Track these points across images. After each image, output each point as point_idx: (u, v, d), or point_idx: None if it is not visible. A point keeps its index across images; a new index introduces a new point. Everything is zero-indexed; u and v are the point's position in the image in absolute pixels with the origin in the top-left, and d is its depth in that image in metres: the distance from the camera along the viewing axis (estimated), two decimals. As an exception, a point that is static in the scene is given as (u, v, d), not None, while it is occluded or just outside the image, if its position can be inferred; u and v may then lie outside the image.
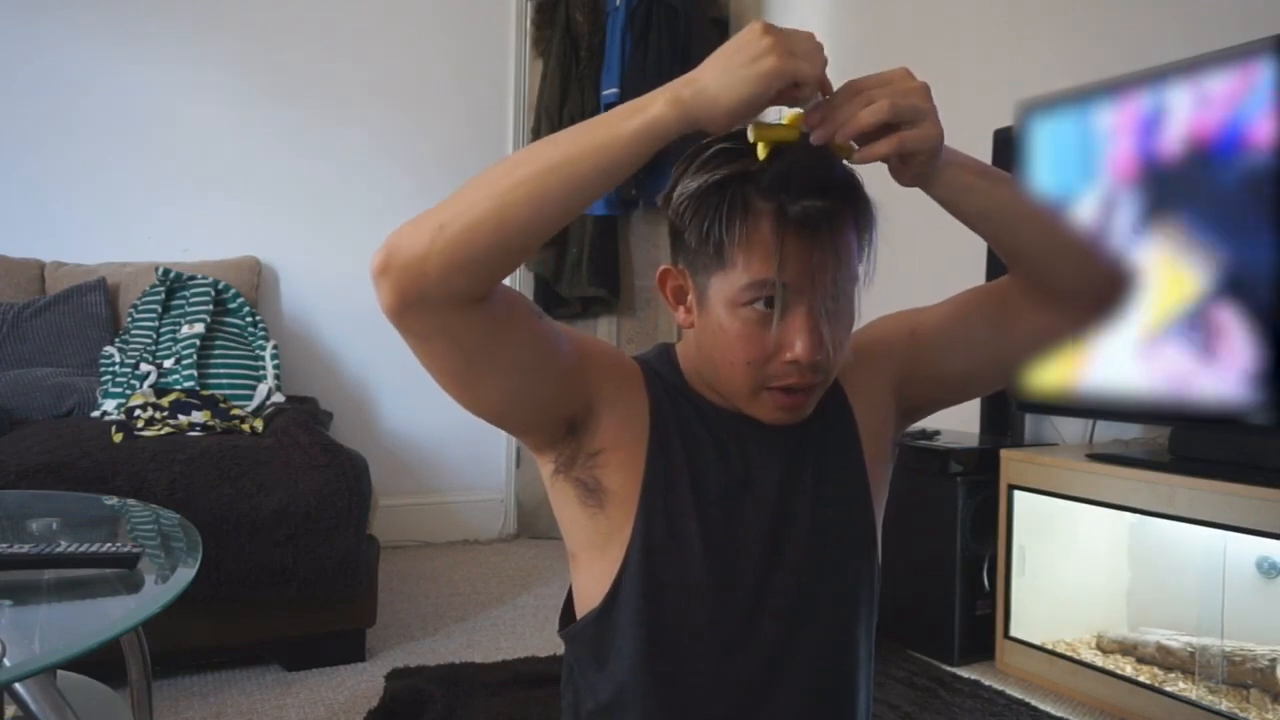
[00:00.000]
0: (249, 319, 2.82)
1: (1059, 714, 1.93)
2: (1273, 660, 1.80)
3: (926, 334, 0.92)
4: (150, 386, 2.50)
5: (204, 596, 1.91)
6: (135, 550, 1.18)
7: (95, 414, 2.46)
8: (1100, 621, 2.18)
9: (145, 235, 3.05)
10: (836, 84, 0.72)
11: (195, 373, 2.58)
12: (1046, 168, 2.09)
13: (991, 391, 1.07)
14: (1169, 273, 1.82)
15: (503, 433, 3.31)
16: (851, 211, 0.78)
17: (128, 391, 2.50)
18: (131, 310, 2.77)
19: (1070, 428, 2.38)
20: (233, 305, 2.82)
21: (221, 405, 2.41)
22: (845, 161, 0.76)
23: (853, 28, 3.07)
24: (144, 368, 2.58)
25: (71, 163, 2.98)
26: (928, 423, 2.41)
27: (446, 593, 2.76)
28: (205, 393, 2.50)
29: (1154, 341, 1.85)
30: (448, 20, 3.43)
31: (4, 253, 2.82)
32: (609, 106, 3.15)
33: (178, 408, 2.31)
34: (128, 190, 3.05)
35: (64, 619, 1.11)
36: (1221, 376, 1.74)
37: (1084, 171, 2.01)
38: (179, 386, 2.52)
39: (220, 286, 2.82)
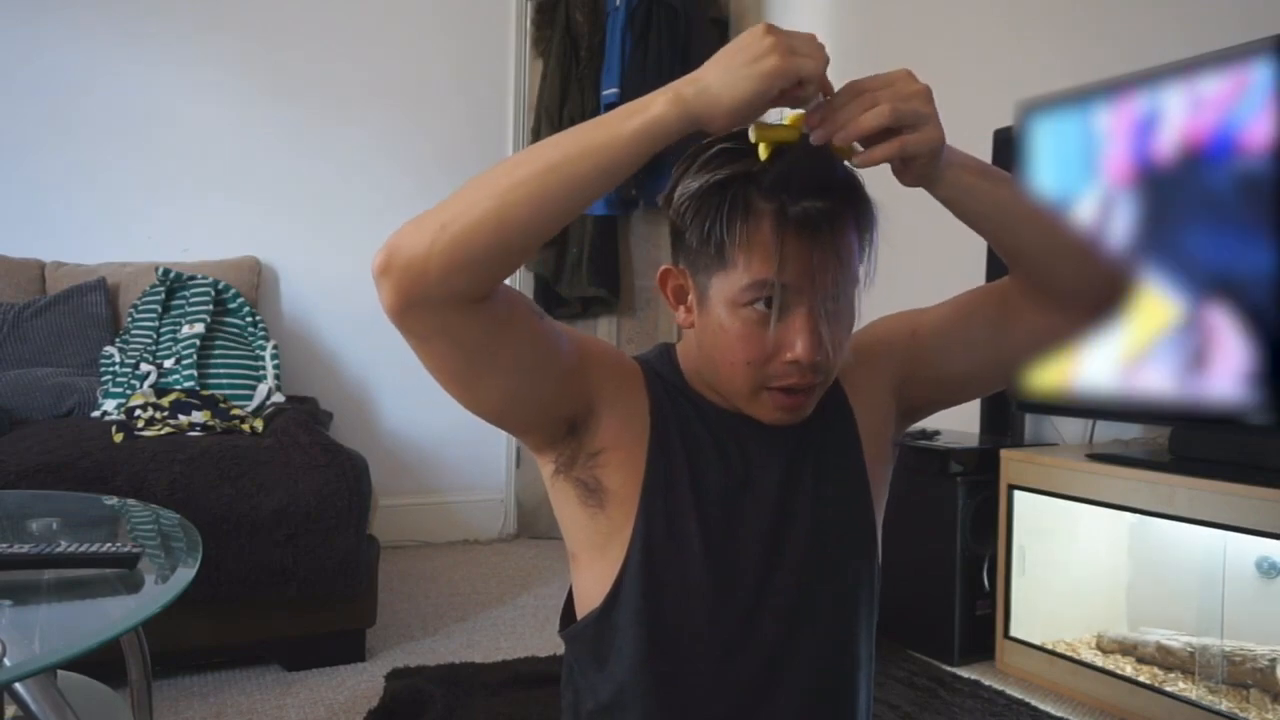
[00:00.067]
0: (249, 319, 2.82)
1: (1059, 714, 1.93)
2: (1273, 660, 1.80)
3: (927, 334, 0.92)
4: (150, 386, 2.50)
5: (204, 596, 1.91)
6: (135, 550, 1.18)
7: (95, 414, 2.46)
8: (1100, 621, 2.18)
9: (145, 235, 3.05)
10: (837, 85, 0.72)
11: (195, 373, 2.58)
12: (1046, 168, 2.09)
13: (991, 392, 1.07)
14: (1167, 268, 1.82)
15: (503, 433, 3.31)
16: (852, 212, 0.78)
17: (128, 391, 2.50)
18: (131, 310, 2.77)
19: (1070, 428, 2.38)
20: (233, 305, 2.82)
21: (221, 405, 2.41)
22: (846, 163, 0.76)
23: (853, 28, 3.07)
24: (144, 368, 2.58)
25: (71, 163, 2.98)
26: (928, 423, 2.41)
27: (446, 593, 2.76)
28: (205, 393, 2.50)
29: (1153, 340, 1.85)
30: (448, 20, 3.43)
31: (4, 253, 2.82)
32: (609, 106, 3.16)
33: (178, 408, 2.31)
34: (128, 190, 3.05)
35: (64, 619, 1.11)
36: (1221, 377, 1.74)
37: (1084, 172, 2.01)
38: (179, 386, 2.52)
39: (220, 286, 2.82)
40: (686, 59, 3.18)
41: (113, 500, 1.76)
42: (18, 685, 0.99)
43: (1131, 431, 2.25)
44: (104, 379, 2.60)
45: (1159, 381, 1.85)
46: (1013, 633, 2.15)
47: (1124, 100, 1.92)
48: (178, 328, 2.68)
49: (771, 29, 0.68)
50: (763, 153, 0.76)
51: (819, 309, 0.78)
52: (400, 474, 3.31)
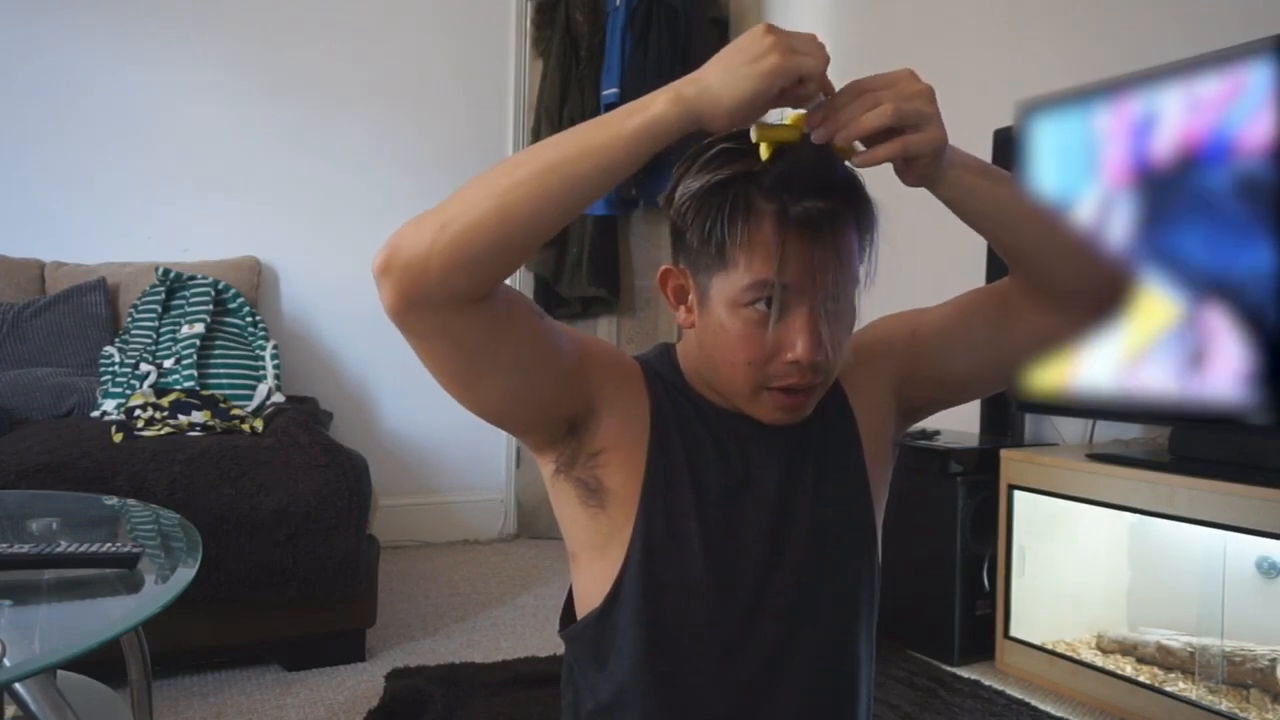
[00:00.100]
0: (249, 319, 2.82)
1: (1059, 714, 1.93)
2: (1273, 660, 1.80)
3: (927, 335, 0.92)
4: (150, 386, 2.50)
5: (204, 596, 1.91)
6: (135, 550, 1.18)
7: (95, 414, 2.46)
8: (1100, 621, 2.18)
9: (145, 235, 3.05)
10: (837, 86, 0.72)
11: (195, 373, 2.58)
12: (1046, 168, 2.09)
13: (992, 393, 1.07)
14: (1166, 268, 1.82)
15: (503, 433, 3.31)
16: (853, 212, 0.78)
17: (128, 391, 2.50)
18: (131, 310, 2.77)
19: (1070, 428, 2.38)
20: (233, 305, 2.82)
21: (221, 405, 2.41)
22: (847, 163, 0.76)
23: (853, 28, 3.07)
24: (144, 368, 2.58)
25: (71, 163, 2.98)
26: (928, 423, 2.41)
27: (446, 593, 2.76)
28: (205, 393, 2.50)
29: (1152, 339, 1.85)
30: (448, 20, 3.43)
31: (4, 253, 2.82)
32: (609, 107, 3.16)
33: (178, 408, 2.31)
34: (128, 190, 3.05)
35: (64, 619, 1.11)
36: (1220, 377, 1.74)
37: (1084, 172, 2.01)
38: (179, 386, 2.52)
39: (220, 286, 2.82)
40: (686, 59, 3.18)
41: (113, 500, 1.76)
42: (18, 685, 0.99)
43: (1131, 431, 2.25)
44: (104, 379, 2.60)
45: (1159, 381, 1.85)
46: (1013, 633, 2.15)
47: (1124, 100, 1.92)
48: (178, 328, 2.68)
49: (772, 29, 0.68)
50: (764, 153, 0.76)
51: (819, 309, 0.78)
52: (400, 474, 3.31)
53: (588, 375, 0.84)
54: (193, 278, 2.82)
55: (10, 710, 1.06)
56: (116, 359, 2.63)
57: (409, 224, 0.71)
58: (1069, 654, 2.08)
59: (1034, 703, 1.97)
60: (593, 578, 0.87)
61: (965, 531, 2.18)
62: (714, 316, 0.81)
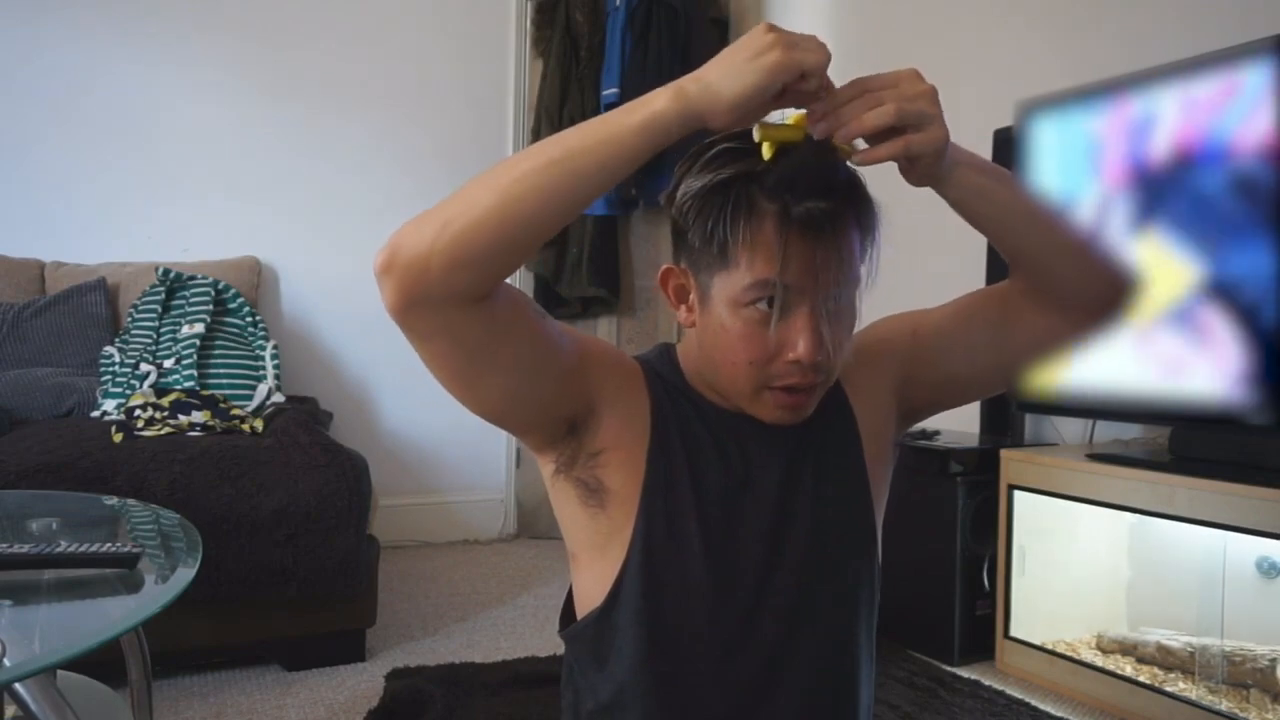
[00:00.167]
0: (249, 319, 2.82)
1: (1059, 714, 1.93)
2: (1273, 660, 1.80)
3: (928, 336, 0.92)
4: (150, 386, 2.50)
5: (204, 596, 1.91)
6: (135, 550, 1.18)
7: (95, 414, 2.46)
8: (1100, 621, 2.18)
9: (145, 235, 3.05)
10: (838, 85, 0.72)
11: (195, 373, 2.58)
12: (1046, 168, 2.09)
13: (992, 394, 1.07)
14: (1166, 270, 1.82)
15: (503, 433, 3.31)
16: (854, 213, 0.78)
17: (128, 391, 2.50)
18: (131, 310, 2.77)
19: (1070, 428, 2.38)
20: (233, 305, 2.82)
21: (221, 405, 2.41)
22: (848, 162, 0.77)
23: (853, 28, 3.07)
24: (144, 368, 2.58)
25: (71, 163, 2.98)
26: (928, 423, 2.41)
27: (446, 593, 2.76)
28: (205, 393, 2.50)
29: (1151, 337, 1.85)
30: (448, 20, 3.43)
31: (4, 253, 2.82)
32: (609, 107, 3.16)
33: (178, 408, 2.31)
34: (128, 190, 3.05)
35: (64, 619, 1.11)
36: (1220, 376, 1.74)
37: (1084, 172, 2.01)
38: (179, 386, 2.52)
39: (220, 286, 2.82)
40: (686, 59, 3.18)
41: (113, 500, 1.76)
42: (18, 685, 0.99)
43: (1131, 431, 2.25)
44: (104, 379, 2.60)
45: (1159, 381, 1.85)
46: (1013, 633, 2.15)
47: (1124, 100, 1.92)
48: (178, 328, 2.68)
49: (773, 27, 0.68)
50: (766, 152, 0.76)
51: (821, 309, 0.78)
52: (400, 474, 3.31)
53: (588, 375, 0.84)
54: (193, 278, 2.82)
55: (10, 710, 1.06)
56: (116, 359, 2.63)
57: (410, 223, 0.71)
58: (1069, 654, 2.08)
59: (1034, 703, 1.97)
60: (593, 578, 0.87)
61: (965, 531, 2.18)
62: (715, 316, 0.81)
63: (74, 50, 2.98)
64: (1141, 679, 1.93)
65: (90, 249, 2.95)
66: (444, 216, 0.69)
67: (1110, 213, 1.94)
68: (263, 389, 2.66)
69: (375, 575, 2.20)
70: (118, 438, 2.07)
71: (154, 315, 2.72)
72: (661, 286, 0.87)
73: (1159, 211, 1.85)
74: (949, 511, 2.18)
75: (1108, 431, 2.28)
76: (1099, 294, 0.84)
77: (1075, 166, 2.03)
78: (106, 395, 2.53)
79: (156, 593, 1.12)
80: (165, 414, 2.27)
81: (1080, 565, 2.21)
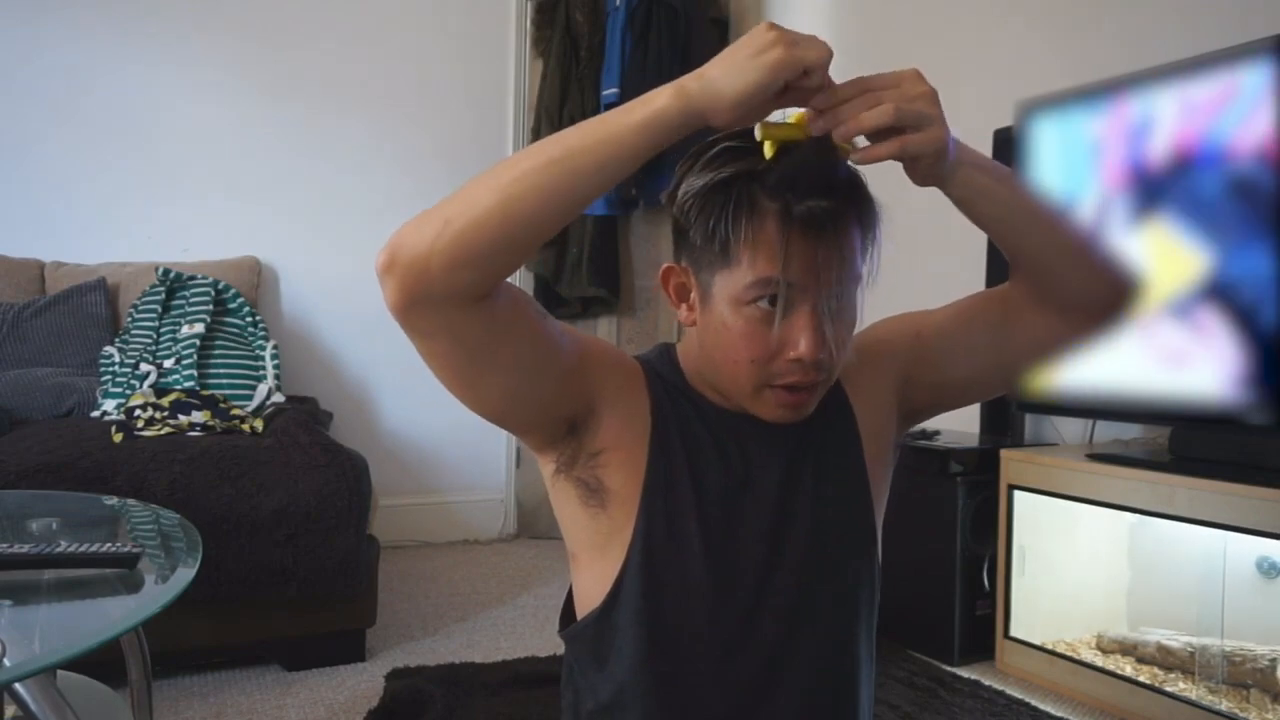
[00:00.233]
0: (249, 319, 2.82)
1: (1059, 714, 1.93)
2: (1273, 660, 1.80)
3: (930, 337, 0.92)
4: (150, 386, 2.50)
5: (204, 596, 1.91)
6: (135, 550, 1.18)
7: (95, 414, 2.46)
8: (1100, 621, 2.18)
9: (145, 235, 3.05)
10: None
11: (195, 373, 2.58)
12: (1047, 168, 2.09)
13: (993, 396, 1.07)
14: (1166, 269, 1.82)
15: (503, 433, 3.31)
16: (856, 211, 0.79)
17: (128, 391, 2.50)
18: (131, 310, 2.77)
19: (1070, 428, 2.38)
20: (233, 305, 2.82)
21: (221, 405, 2.41)
22: (849, 161, 0.77)
23: (853, 28, 3.07)
24: (144, 368, 2.58)
25: (71, 163, 2.98)
26: (928, 422, 2.40)
27: (446, 593, 2.76)
28: (205, 393, 2.50)
29: (1152, 337, 1.85)
30: (448, 20, 3.43)
31: (4, 253, 2.82)
32: (609, 107, 3.16)
33: (178, 408, 2.31)
34: (128, 190, 3.05)
35: (64, 619, 1.11)
36: (1220, 376, 1.74)
37: (1084, 172, 2.01)
38: (179, 386, 2.52)
39: (220, 286, 2.82)
40: (686, 59, 3.18)
41: (113, 500, 1.76)
42: (18, 685, 0.99)
43: (1131, 431, 2.25)
44: (104, 379, 2.60)
45: (1159, 381, 1.85)
46: (1013, 633, 2.15)
47: (1124, 100, 1.92)
48: (178, 328, 2.68)
49: (774, 26, 0.69)
50: (768, 151, 0.76)
51: (822, 307, 0.78)
52: (400, 474, 3.30)
53: (588, 375, 0.84)
54: (193, 278, 2.82)
55: (10, 710, 1.06)
56: (116, 359, 2.63)
57: (411, 222, 0.71)
58: (1069, 654, 2.08)
59: (1034, 703, 1.97)
60: (593, 578, 0.87)
61: (965, 531, 2.18)
62: (716, 314, 0.81)
63: (74, 50, 2.98)
64: (1141, 679, 1.93)
65: (90, 249, 2.95)
66: (444, 216, 0.69)
67: (1110, 212, 1.94)
68: (263, 389, 2.66)
69: (375, 575, 2.20)
70: (118, 438, 2.07)
71: (154, 315, 2.72)
72: (662, 285, 0.87)
73: (1159, 211, 1.85)
74: (949, 511, 2.18)
75: (1108, 431, 2.28)
76: (1101, 297, 0.84)
77: (1075, 166, 2.03)
78: (106, 395, 2.53)
79: (156, 593, 1.12)
80: (165, 414, 2.27)
81: (1080, 565, 2.21)
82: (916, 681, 2.05)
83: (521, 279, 3.45)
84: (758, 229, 0.77)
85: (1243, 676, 1.84)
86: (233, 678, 2.05)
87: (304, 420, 2.34)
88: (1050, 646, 2.10)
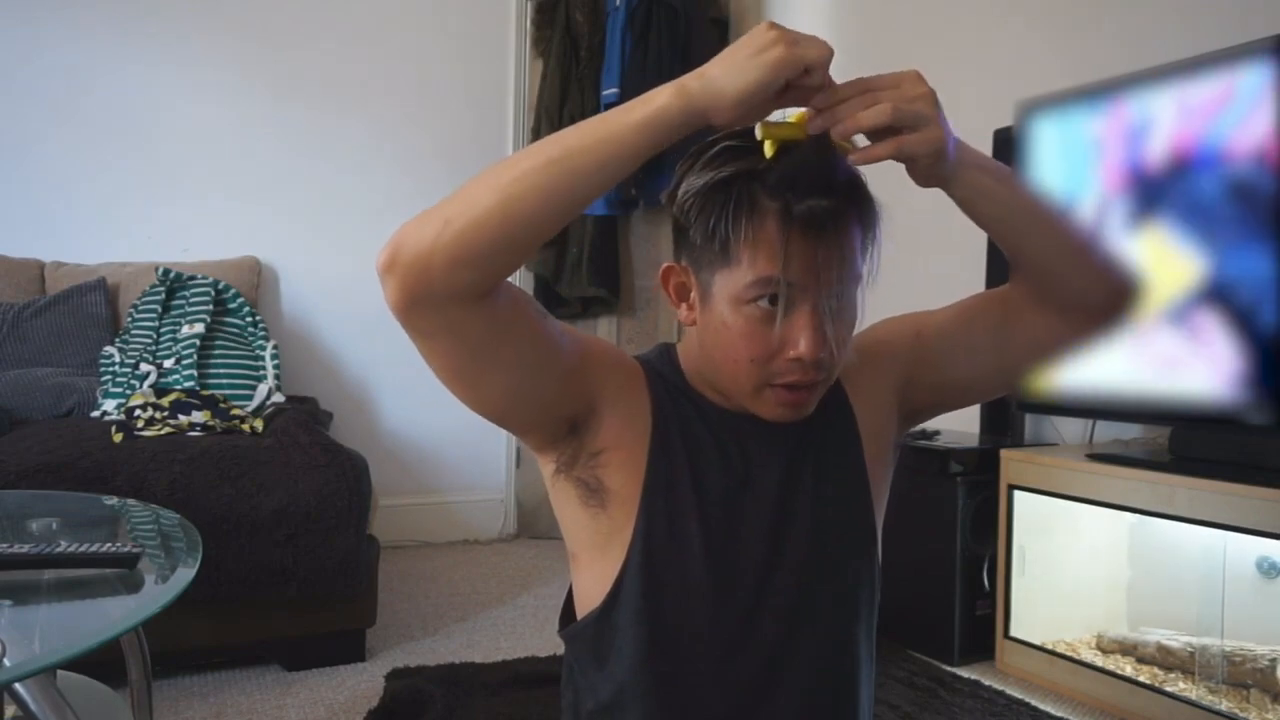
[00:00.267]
0: (249, 319, 2.82)
1: (1059, 714, 1.93)
2: (1273, 660, 1.80)
3: (931, 337, 0.92)
4: (150, 386, 2.50)
5: (204, 596, 1.91)
6: (135, 550, 1.18)
7: (95, 414, 2.46)
8: (1100, 621, 2.18)
9: (145, 235, 3.05)
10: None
11: (195, 373, 2.58)
12: (1047, 168, 2.09)
13: (995, 397, 1.07)
14: (1167, 268, 1.82)
15: (503, 433, 3.31)
16: (856, 211, 0.79)
17: (128, 391, 2.50)
18: (131, 310, 2.77)
19: (1070, 428, 2.38)
20: (233, 305, 2.82)
21: (221, 405, 2.41)
22: (849, 160, 0.77)
23: (853, 28, 3.07)
24: (144, 368, 2.58)
25: (71, 163, 2.98)
26: (928, 422, 2.41)
27: (446, 593, 2.76)
28: (205, 393, 2.50)
29: (1152, 337, 1.85)
30: (448, 20, 3.43)
31: (4, 253, 2.82)
32: (609, 107, 3.14)
33: (178, 408, 2.31)
34: (128, 190, 3.05)
35: (64, 619, 1.11)
36: (1220, 376, 1.74)
37: (1084, 172, 2.00)
38: (179, 386, 2.52)
39: (220, 286, 2.82)
40: (686, 59, 3.18)
41: (113, 500, 1.76)
42: (18, 685, 0.99)
43: (1131, 431, 2.25)
44: (104, 379, 2.60)
45: (1159, 381, 1.85)
46: (1013, 633, 2.15)
47: (1124, 100, 1.92)
48: (178, 328, 2.68)
49: (775, 25, 0.69)
50: (768, 150, 0.76)
51: (823, 306, 0.78)
52: (400, 474, 3.30)
53: (589, 375, 0.84)
54: (193, 278, 2.82)
55: (10, 710, 1.06)
56: (116, 359, 2.63)
57: (412, 221, 0.71)
58: (1069, 654, 2.08)
59: (1034, 703, 1.97)
60: (593, 577, 0.87)
61: (965, 531, 2.18)
62: (716, 313, 0.81)
63: (74, 50, 2.98)
64: (1141, 679, 1.93)
65: (90, 249, 2.95)
66: (445, 215, 0.70)
67: (1110, 212, 1.94)
68: (263, 389, 2.66)
69: (375, 575, 2.20)
70: (118, 438, 2.07)
71: (154, 315, 2.72)
72: (662, 284, 0.87)
73: (1159, 211, 1.85)
74: (949, 511, 2.18)
75: (1108, 431, 2.28)
76: (1102, 299, 0.84)
77: (1075, 166, 2.03)
78: (106, 395, 2.53)
79: (156, 593, 1.12)
80: (165, 414, 2.27)
81: (1080, 565, 2.21)
82: (916, 681, 2.05)
83: (521, 279, 3.45)
84: (758, 228, 0.77)
85: (1243, 676, 1.84)
86: (233, 678, 2.05)
87: (304, 420, 2.34)
88: (1050, 646, 2.10)
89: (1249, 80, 1.69)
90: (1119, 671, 1.98)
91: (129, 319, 2.76)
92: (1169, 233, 1.83)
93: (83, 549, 1.17)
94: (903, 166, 0.75)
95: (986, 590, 2.20)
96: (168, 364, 2.60)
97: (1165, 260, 1.83)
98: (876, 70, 0.73)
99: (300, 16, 3.23)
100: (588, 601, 0.88)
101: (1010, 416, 2.37)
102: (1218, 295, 1.75)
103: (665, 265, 0.87)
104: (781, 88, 0.70)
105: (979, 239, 0.85)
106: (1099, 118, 1.98)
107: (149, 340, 2.67)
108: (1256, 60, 1.68)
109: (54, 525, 1.51)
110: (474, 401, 0.80)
